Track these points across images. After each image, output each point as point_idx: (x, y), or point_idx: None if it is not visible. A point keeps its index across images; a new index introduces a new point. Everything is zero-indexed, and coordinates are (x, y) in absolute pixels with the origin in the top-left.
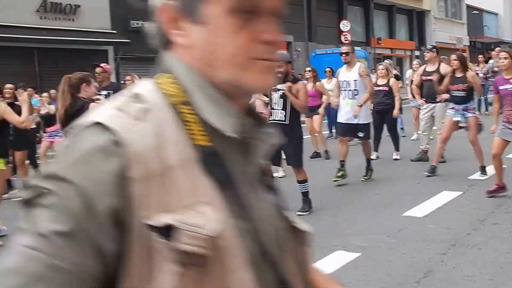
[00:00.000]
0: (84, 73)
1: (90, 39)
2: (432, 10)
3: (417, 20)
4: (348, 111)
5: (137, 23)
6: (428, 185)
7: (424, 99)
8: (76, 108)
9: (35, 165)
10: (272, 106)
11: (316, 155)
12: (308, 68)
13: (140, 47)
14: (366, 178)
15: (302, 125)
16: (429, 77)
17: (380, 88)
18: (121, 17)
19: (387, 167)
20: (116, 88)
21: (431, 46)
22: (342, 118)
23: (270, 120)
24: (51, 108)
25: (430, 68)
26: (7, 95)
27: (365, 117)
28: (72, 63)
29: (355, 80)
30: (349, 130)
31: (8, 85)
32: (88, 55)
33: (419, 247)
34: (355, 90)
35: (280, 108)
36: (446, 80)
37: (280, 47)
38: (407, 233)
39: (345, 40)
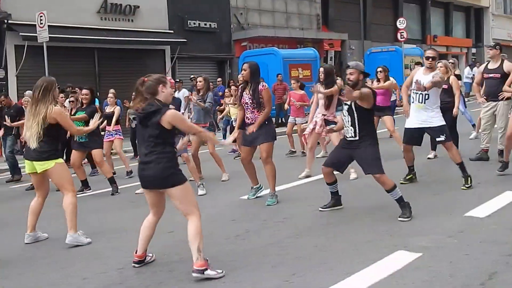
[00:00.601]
0: (159, 75)
1: (148, 39)
2: (491, 7)
3: (475, 17)
4: (417, 116)
5: (194, 23)
6: (490, 185)
7: (485, 97)
8: (150, 111)
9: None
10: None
11: None
12: (379, 69)
13: (196, 47)
14: (467, 186)
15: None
16: (490, 75)
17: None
18: (178, 17)
19: (445, 167)
20: (178, 104)
21: (494, 43)
22: (412, 122)
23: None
24: (117, 108)
25: (492, 65)
26: (84, 101)
27: (440, 118)
28: (130, 63)
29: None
30: (419, 135)
31: (85, 91)
32: (146, 55)
33: (482, 248)
34: (426, 94)
35: (349, 125)
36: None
37: (334, 45)
38: (469, 234)
39: (401, 38)
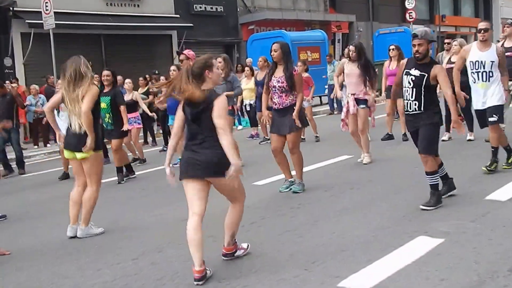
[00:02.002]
0: (204, 56)
1: (154, 24)
2: None
3: None
4: (482, 94)
5: (200, 7)
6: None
7: None
8: (199, 110)
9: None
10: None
11: (388, 137)
12: (392, 46)
13: (203, 31)
14: (488, 169)
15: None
16: (508, 53)
17: (454, 65)
18: (184, 1)
19: (461, 149)
20: None
21: (511, 21)
22: (479, 104)
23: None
24: (136, 94)
25: (509, 43)
26: (106, 83)
27: (498, 97)
28: (137, 48)
29: (491, 61)
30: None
31: (106, 72)
32: (153, 40)
33: (506, 233)
34: (490, 71)
35: (412, 98)
36: None
37: (342, 27)
38: (492, 218)
39: (410, 18)
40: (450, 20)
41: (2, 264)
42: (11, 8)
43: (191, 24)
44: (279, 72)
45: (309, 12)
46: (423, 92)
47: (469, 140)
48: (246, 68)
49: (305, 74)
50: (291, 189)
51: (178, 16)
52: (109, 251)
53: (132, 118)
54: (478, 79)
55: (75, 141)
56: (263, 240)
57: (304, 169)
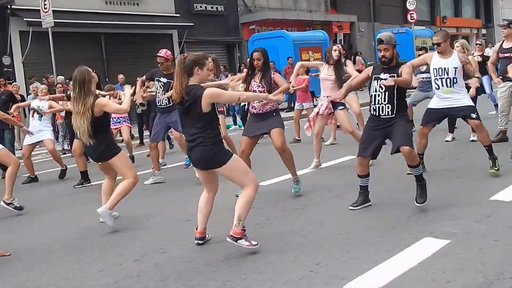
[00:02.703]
0: (199, 54)
1: (154, 23)
2: None
3: None
4: (447, 98)
5: (200, 6)
6: (500, 167)
7: (501, 77)
8: (187, 105)
9: None
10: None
11: None
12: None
13: (203, 30)
14: (495, 169)
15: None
16: (506, 54)
17: None
18: (184, 0)
19: (464, 150)
20: None
21: (508, 22)
22: (436, 104)
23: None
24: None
25: (507, 44)
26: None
27: (470, 100)
28: (138, 47)
29: (455, 67)
30: (443, 115)
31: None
32: (154, 39)
33: None
34: (454, 78)
35: (385, 102)
36: None
37: (343, 27)
38: (497, 218)
39: (411, 19)
40: (451, 21)
41: (2, 265)
42: (9, 6)
43: (192, 24)
44: (258, 77)
45: (310, 12)
46: (395, 95)
47: (473, 140)
48: (245, 70)
49: (305, 76)
50: None
51: (178, 15)
52: (110, 251)
53: (121, 117)
54: (442, 85)
55: (95, 154)
56: (267, 241)
57: (307, 170)
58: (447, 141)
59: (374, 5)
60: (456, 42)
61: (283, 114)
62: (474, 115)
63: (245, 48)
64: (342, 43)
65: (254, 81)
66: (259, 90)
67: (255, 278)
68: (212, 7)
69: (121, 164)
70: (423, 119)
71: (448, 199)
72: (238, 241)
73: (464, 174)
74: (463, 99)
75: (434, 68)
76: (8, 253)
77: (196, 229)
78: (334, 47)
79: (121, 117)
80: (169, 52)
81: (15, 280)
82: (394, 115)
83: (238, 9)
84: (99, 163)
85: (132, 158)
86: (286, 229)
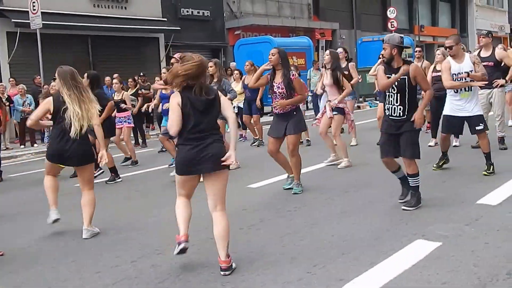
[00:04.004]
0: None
1: (141, 27)
2: None
3: (459, 8)
4: (462, 104)
5: (187, 11)
6: (495, 172)
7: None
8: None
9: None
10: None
11: None
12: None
13: (190, 35)
14: (488, 172)
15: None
16: (484, 63)
17: (439, 73)
18: (172, 5)
19: (449, 154)
20: None
21: (486, 32)
22: (452, 111)
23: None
24: (126, 94)
25: (484, 53)
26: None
27: (479, 107)
28: (124, 50)
29: (470, 71)
30: (460, 124)
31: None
32: (140, 42)
33: (502, 236)
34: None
35: (397, 103)
36: None
37: (326, 34)
38: (486, 221)
39: (392, 27)
40: (428, 30)
41: None
42: None
43: (178, 28)
44: (278, 78)
45: (293, 19)
46: (407, 96)
47: (455, 146)
48: (236, 72)
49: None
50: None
51: (165, 19)
52: (106, 253)
53: (122, 117)
54: (461, 89)
55: (76, 153)
56: (264, 242)
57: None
58: (430, 146)
59: (355, 13)
60: (437, 50)
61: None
62: (482, 125)
63: (230, 52)
64: (325, 49)
65: (275, 81)
66: (278, 92)
67: (254, 280)
68: (198, 12)
69: (91, 173)
70: (443, 127)
71: (437, 203)
72: (233, 266)
73: (450, 178)
74: (475, 108)
75: (453, 74)
76: (1, 252)
77: (179, 234)
78: (326, 52)
79: (122, 117)
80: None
81: (11, 281)
82: (405, 116)
83: (224, 15)
84: (66, 165)
85: (128, 158)
86: (281, 231)
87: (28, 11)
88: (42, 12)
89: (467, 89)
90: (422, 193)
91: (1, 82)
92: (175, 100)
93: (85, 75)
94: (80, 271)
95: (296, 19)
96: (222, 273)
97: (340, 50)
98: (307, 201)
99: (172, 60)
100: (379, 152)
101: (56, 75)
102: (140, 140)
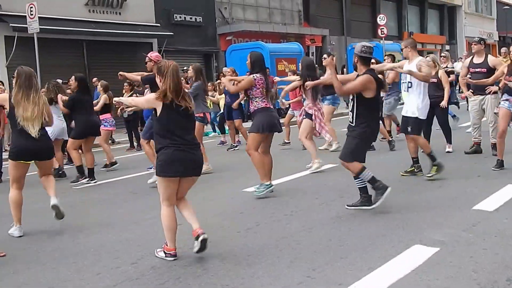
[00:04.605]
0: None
1: (135, 32)
2: (463, 5)
3: (448, 15)
4: (405, 104)
5: (180, 17)
6: (490, 178)
7: (472, 91)
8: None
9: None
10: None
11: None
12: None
13: (182, 40)
14: (430, 176)
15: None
16: (477, 69)
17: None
18: (165, 11)
19: (444, 159)
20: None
21: (478, 38)
22: (403, 111)
23: None
24: (105, 98)
25: (477, 60)
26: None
27: (417, 110)
28: (118, 55)
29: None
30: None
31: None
32: (134, 47)
33: (500, 242)
34: (409, 82)
35: (349, 110)
36: (499, 72)
37: (316, 40)
38: (483, 227)
39: (382, 34)
40: (417, 37)
41: None
42: None
43: (171, 33)
44: None
45: (284, 25)
46: (355, 105)
47: (448, 152)
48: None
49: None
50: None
51: (158, 25)
52: (105, 254)
53: (103, 119)
54: (403, 90)
55: (45, 148)
56: (261, 246)
57: (291, 177)
58: (448, 152)
59: (345, 20)
60: (427, 57)
61: None
62: (409, 129)
63: (222, 57)
64: (315, 55)
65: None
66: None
67: (253, 283)
68: (191, 18)
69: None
70: (400, 126)
71: (433, 208)
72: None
73: (446, 184)
74: (410, 110)
75: (401, 73)
76: (3, 254)
77: (170, 246)
78: (324, 56)
79: (103, 119)
80: (154, 54)
81: (12, 281)
82: (353, 123)
83: (216, 21)
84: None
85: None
86: (277, 234)
87: (25, 16)
88: (39, 17)
89: (405, 90)
90: (418, 197)
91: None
92: None
93: (72, 77)
94: (80, 272)
95: (287, 25)
96: (203, 236)
97: (325, 56)
98: (302, 206)
99: (147, 59)
100: (371, 157)
101: (15, 73)
102: (135, 143)
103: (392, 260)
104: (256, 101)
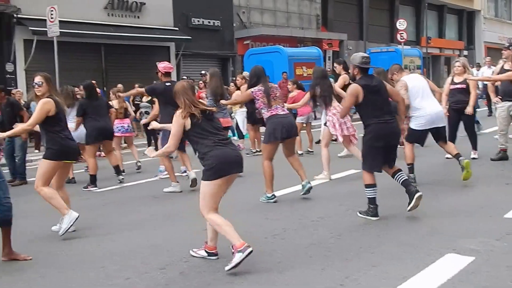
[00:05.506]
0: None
1: (153, 36)
2: (482, 10)
3: (467, 20)
4: None
5: (198, 21)
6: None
7: (500, 97)
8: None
9: None
10: None
11: None
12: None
13: (200, 44)
14: None
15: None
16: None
17: (458, 86)
18: (183, 15)
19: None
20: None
21: (508, 44)
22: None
23: None
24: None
25: (507, 66)
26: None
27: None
28: (136, 58)
29: None
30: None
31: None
32: (151, 51)
33: None
34: None
35: None
36: None
37: (333, 44)
38: None
39: (401, 39)
40: (435, 42)
41: (26, 271)
42: (15, 15)
43: (189, 37)
44: None
45: (302, 29)
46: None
47: (473, 158)
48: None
49: (297, 91)
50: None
51: (177, 29)
52: (133, 259)
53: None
54: None
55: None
56: (289, 252)
57: (314, 183)
58: (474, 158)
59: (363, 25)
60: (456, 62)
61: None
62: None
63: (239, 62)
64: (331, 60)
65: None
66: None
67: None
68: (209, 22)
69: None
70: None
71: (463, 216)
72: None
73: (472, 192)
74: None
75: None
76: (30, 257)
77: (210, 244)
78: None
79: (118, 125)
80: (163, 65)
81: (40, 286)
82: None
83: (234, 25)
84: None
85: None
86: (305, 241)
87: (45, 19)
88: (58, 21)
89: None
90: (446, 204)
91: (17, 88)
92: None
93: (81, 86)
94: (110, 276)
95: (305, 30)
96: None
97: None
98: (328, 213)
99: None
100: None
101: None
102: (153, 147)
103: (426, 269)
104: (263, 112)
